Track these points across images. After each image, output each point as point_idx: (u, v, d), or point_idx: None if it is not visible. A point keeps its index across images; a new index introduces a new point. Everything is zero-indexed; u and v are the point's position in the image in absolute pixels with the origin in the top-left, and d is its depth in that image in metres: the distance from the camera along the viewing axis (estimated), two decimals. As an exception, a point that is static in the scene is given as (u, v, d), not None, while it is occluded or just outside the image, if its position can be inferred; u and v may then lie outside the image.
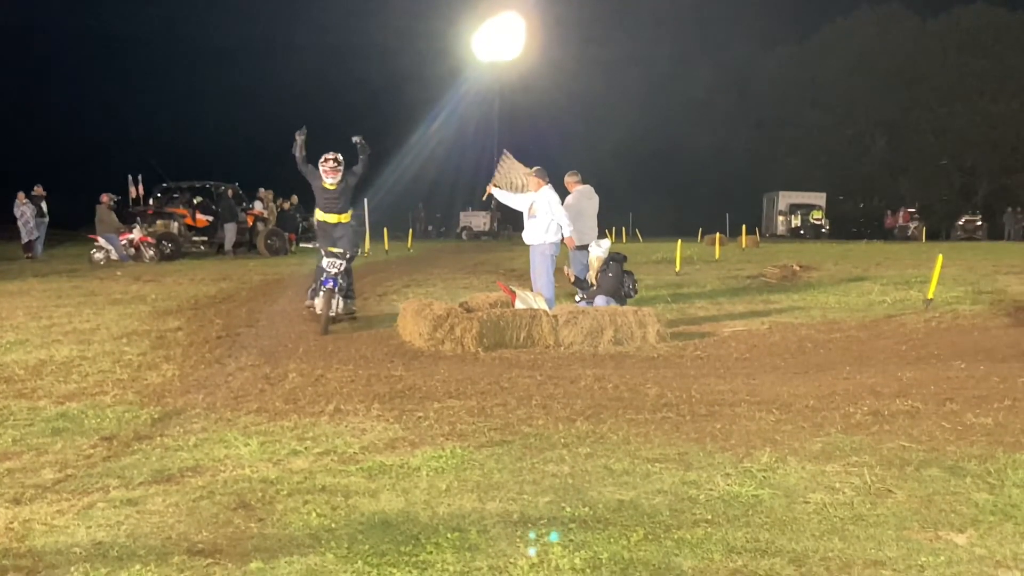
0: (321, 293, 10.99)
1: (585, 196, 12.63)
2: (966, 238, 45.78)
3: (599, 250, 11.70)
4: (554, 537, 4.30)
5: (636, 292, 12.18)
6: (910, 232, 49.31)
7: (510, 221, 50.60)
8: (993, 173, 60.74)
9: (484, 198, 12.83)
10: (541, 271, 11.86)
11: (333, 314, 10.96)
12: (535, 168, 11.97)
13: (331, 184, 11.28)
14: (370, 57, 64.85)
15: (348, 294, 11.64)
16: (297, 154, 11.21)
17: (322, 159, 11.23)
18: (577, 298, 11.85)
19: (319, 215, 11.67)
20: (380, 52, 63.75)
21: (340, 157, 11.25)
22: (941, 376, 7.97)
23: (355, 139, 11.37)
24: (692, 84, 68.26)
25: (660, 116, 65.72)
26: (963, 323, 11.03)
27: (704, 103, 67.91)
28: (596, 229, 12.62)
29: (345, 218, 11.67)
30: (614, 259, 11.67)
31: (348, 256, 11.32)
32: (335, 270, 10.94)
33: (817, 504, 4.75)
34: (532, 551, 4.16)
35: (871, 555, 4.10)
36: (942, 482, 5.08)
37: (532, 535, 4.36)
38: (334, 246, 11.29)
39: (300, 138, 11.18)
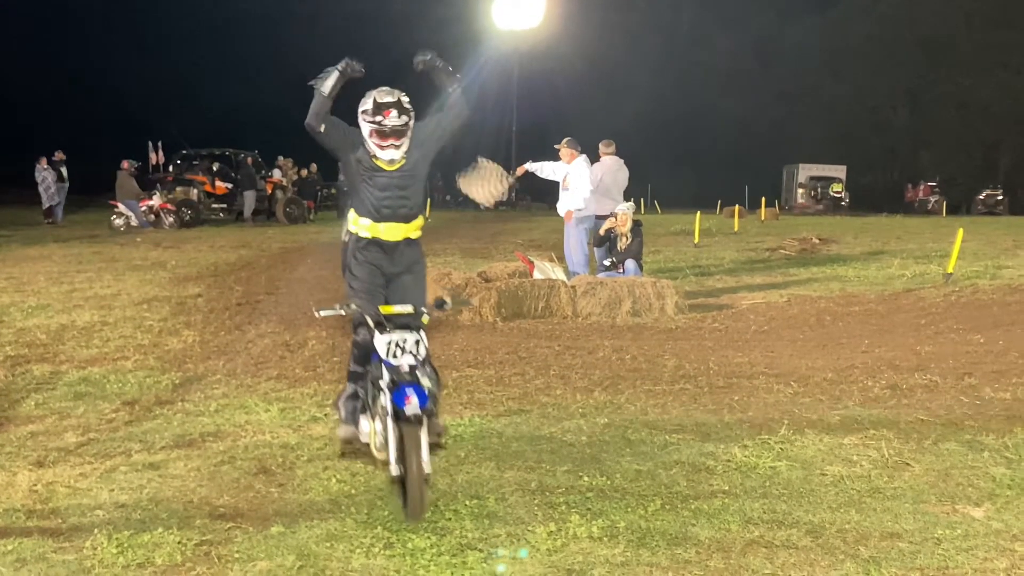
0: (390, 419, 4.37)
1: (616, 168, 12.48)
2: (987, 212, 45.28)
3: (628, 210, 11.63)
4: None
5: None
6: (930, 206, 48.87)
7: (528, 191, 50.49)
8: (1015, 147, 59.99)
9: (519, 174, 12.40)
10: (575, 243, 11.84)
11: (426, 459, 4.26)
12: (566, 139, 11.82)
13: (390, 161, 4.75)
14: (391, 24, 64.48)
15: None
16: (320, 88, 4.76)
17: (373, 104, 4.68)
18: (606, 263, 11.76)
19: (364, 226, 4.86)
20: (401, 19, 63.34)
21: (406, 101, 4.72)
22: (960, 350, 7.95)
23: (420, 58, 4.96)
24: (713, 54, 67.55)
25: (680, 86, 65.13)
26: (982, 298, 10.96)
27: (725, 73, 67.22)
28: (621, 201, 12.57)
29: (415, 229, 4.97)
30: (637, 223, 11.68)
31: (424, 317, 4.69)
32: (411, 361, 4.44)
33: (834, 476, 4.77)
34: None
35: (888, 527, 4.12)
36: (959, 456, 5.08)
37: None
38: (389, 300, 4.82)
39: (348, 73, 4.80)
